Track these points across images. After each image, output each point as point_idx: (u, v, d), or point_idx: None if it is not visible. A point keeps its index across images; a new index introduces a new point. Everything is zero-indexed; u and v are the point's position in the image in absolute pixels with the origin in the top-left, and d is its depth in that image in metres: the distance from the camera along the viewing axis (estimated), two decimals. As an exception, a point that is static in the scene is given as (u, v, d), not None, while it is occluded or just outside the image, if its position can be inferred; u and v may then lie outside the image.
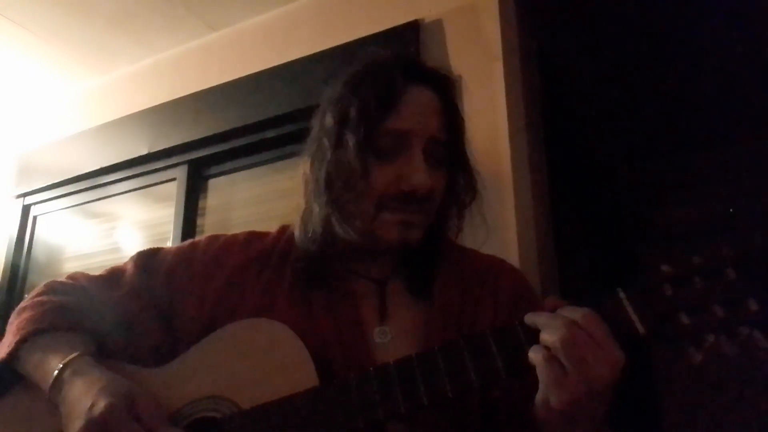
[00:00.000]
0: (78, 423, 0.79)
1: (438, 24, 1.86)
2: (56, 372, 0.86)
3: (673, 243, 3.30)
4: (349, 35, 1.96)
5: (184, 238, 2.17)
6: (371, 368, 0.79)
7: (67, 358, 0.87)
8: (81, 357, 0.88)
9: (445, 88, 0.98)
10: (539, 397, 0.72)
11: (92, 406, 0.79)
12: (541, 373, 0.71)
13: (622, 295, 0.72)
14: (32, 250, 2.67)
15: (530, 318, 0.74)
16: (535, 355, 0.71)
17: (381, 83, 0.93)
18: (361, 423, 0.75)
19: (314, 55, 2.03)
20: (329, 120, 0.96)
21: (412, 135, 0.92)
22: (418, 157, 0.91)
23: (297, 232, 1.00)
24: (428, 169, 0.92)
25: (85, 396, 0.82)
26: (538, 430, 0.77)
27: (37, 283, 1.03)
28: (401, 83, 0.93)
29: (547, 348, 0.70)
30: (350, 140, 0.91)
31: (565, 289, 1.94)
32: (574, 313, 0.71)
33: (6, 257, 2.65)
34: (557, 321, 0.71)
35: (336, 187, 0.93)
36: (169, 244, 2.11)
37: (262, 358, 0.86)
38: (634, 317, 0.71)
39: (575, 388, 0.69)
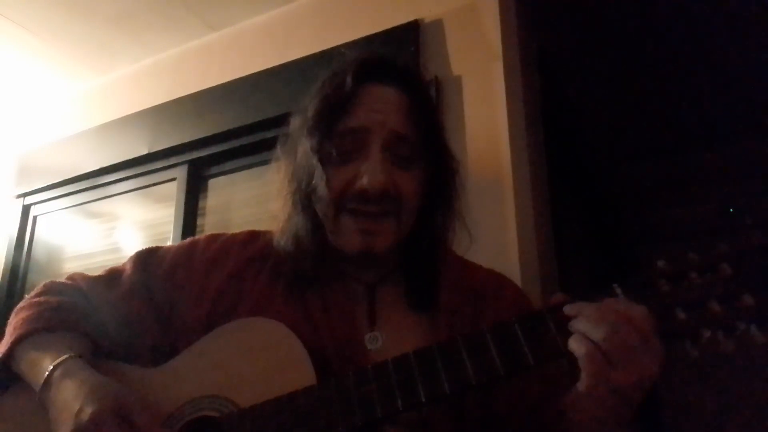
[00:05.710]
0: (65, 429, 0.78)
1: (438, 24, 1.86)
2: (47, 373, 0.85)
3: (673, 243, 3.30)
4: (349, 35, 1.96)
5: (184, 238, 2.16)
6: (369, 366, 0.78)
7: (58, 359, 0.86)
8: (72, 358, 0.87)
9: (412, 86, 0.95)
10: (583, 388, 0.71)
11: (79, 411, 0.78)
12: (586, 365, 0.69)
13: (618, 290, 0.72)
14: (32, 250, 2.67)
15: (571, 309, 0.72)
16: (578, 347, 0.69)
17: (334, 86, 0.93)
18: (360, 421, 0.75)
19: (314, 55, 2.03)
20: (294, 124, 0.98)
21: (369, 132, 0.90)
22: (374, 155, 0.89)
23: (276, 236, 0.99)
24: (388, 168, 0.89)
25: (73, 400, 0.80)
26: (572, 421, 0.76)
27: (37, 283, 1.03)
28: (352, 84, 0.91)
29: (591, 341, 0.69)
30: (306, 143, 0.92)
31: (566, 289, 1.93)
32: (619, 306, 0.70)
33: (6, 257, 2.65)
34: (602, 314, 0.69)
35: (299, 191, 0.93)
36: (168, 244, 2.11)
37: (260, 357, 0.86)
38: (631, 313, 0.70)
39: (624, 380, 0.68)
